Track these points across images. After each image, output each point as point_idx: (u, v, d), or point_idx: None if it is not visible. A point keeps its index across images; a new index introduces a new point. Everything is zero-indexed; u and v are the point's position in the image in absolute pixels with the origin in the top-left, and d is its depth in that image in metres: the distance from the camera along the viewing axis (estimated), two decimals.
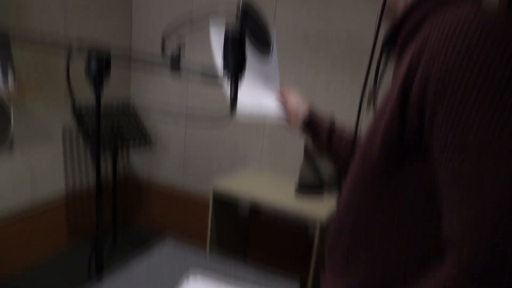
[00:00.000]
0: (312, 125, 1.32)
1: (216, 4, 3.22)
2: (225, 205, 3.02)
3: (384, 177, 0.76)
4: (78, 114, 2.89)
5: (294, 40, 2.95)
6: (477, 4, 0.71)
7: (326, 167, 2.79)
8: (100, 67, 1.06)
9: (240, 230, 3.32)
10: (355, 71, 2.78)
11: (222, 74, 0.98)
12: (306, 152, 2.88)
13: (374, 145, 0.77)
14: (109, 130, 2.98)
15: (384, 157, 0.74)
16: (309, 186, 2.79)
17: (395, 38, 0.84)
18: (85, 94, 2.81)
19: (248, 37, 0.91)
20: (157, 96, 3.60)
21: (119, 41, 3.50)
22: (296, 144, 3.06)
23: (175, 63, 0.95)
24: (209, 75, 0.95)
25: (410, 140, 0.70)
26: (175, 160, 3.63)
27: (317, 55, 2.89)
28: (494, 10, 0.65)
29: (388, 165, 0.74)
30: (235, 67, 0.95)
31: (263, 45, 1.00)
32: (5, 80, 2.40)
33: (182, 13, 3.36)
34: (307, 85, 2.96)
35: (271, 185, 2.90)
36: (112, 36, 3.43)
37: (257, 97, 1.33)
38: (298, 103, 1.34)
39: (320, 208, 2.53)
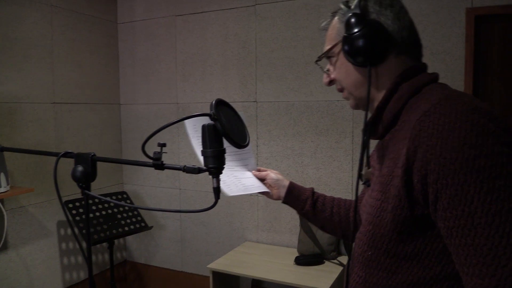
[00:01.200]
0: (294, 197, 1.36)
1: (193, 106, 3.37)
2: (226, 284, 2.95)
3: (399, 249, 0.82)
4: (70, 211, 2.90)
5: (277, 111, 3.07)
6: (446, 89, 0.82)
7: (325, 235, 2.77)
8: (86, 171, 1.11)
9: None
10: (340, 136, 2.87)
11: (203, 165, 1.02)
12: (303, 221, 2.88)
13: (384, 222, 0.83)
14: (104, 218, 2.98)
15: (397, 232, 0.81)
16: (308, 256, 2.76)
17: (376, 125, 0.92)
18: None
19: (224, 126, 0.96)
20: (150, 181, 3.65)
21: (109, 133, 3.61)
22: (291, 214, 3.06)
23: (157, 165, 1.00)
24: (190, 169, 0.99)
25: (420, 217, 0.78)
26: (172, 241, 3.59)
27: (301, 123, 2.99)
28: (466, 97, 0.75)
29: (402, 239, 0.81)
30: (215, 159, 1.00)
31: (239, 133, 1.06)
32: None
33: (167, 110, 3.51)
34: (295, 153, 3.03)
35: (271, 258, 2.86)
36: (102, 128, 3.54)
37: (237, 177, 1.38)
38: (278, 178, 1.39)
39: (322, 277, 2.49)
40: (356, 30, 0.87)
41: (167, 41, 3.48)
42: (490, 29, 2.48)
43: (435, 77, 0.89)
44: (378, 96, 0.92)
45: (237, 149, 1.46)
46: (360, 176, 0.99)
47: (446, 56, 2.54)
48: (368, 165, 1.00)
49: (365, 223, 0.90)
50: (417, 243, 0.80)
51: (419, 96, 0.84)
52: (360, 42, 0.87)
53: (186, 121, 1.38)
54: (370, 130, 0.93)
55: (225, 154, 1.44)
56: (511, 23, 2.43)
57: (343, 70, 0.96)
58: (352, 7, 0.91)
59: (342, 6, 0.94)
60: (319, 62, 1.06)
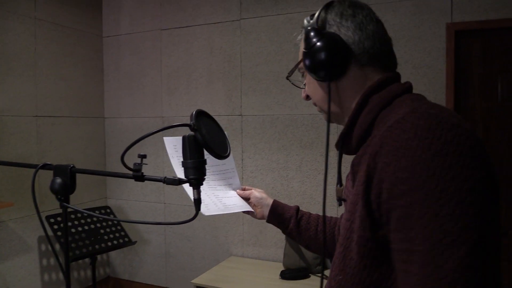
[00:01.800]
0: (278, 216, 1.34)
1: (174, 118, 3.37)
2: None
3: (363, 276, 0.76)
4: (52, 226, 2.84)
5: (262, 125, 3.07)
6: (417, 101, 0.76)
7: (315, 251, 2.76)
8: (65, 183, 1.09)
9: None
10: (324, 149, 2.88)
11: (183, 178, 1.01)
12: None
13: (352, 245, 0.78)
14: (86, 233, 2.93)
15: (361, 257, 0.75)
16: (294, 270, 2.74)
17: (349, 140, 0.87)
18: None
19: (204, 137, 0.95)
20: (134, 195, 3.60)
21: (93, 147, 3.57)
22: (276, 228, 3.04)
23: (137, 176, 0.98)
24: (170, 180, 0.98)
25: (382, 240, 0.72)
26: (156, 256, 3.54)
27: (286, 137, 3.00)
28: (437, 111, 0.69)
29: (366, 264, 0.75)
30: (195, 170, 0.99)
31: (219, 144, 1.05)
32: None
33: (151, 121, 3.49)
34: (280, 167, 3.03)
35: (256, 272, 2.83)
36: (86, 141, 3.50)
37: (219, 196, 1.36)
38: (262, 197, 1.37)
39: None
40: (312, 44, 0.85)
41: (153, 55, 3.48)
42: (470, 43, 2.54)
43: (407, 87, 0.84)
44: (349, 110, 0.88)
45: (221, 169, 1.46)
46: (336, 194, 0.95)
47: (427, 70, 2.58)
48: (340, 183, 0.96)
49: (338, 244, 0.85)
50: (382, 270, 0.73)
51: (390, 109, 0.79)
52: (316, 57, 0.85)
53: (166, 140, 1.36)
54: (343, 145, 0.89)
55: (209, 174, 1.43)
56: (490, 37, 2.49)
57: (311, 85, 0.95)
58: (312, 21, 0.89)
59: (305, 21, 0.92)
60: (290, 78, 1.04)
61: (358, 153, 0.83)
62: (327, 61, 0.84)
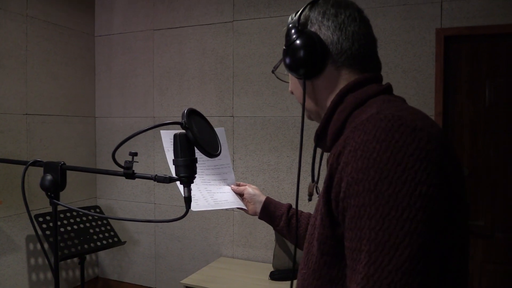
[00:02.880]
0: (270, 213, 1.35)
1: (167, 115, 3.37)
2: None
3: (323, 272, 0.77)
4: (40, 225, 2.83)
5: (253, 126, 3.09)
6: (387, 102, 0.77)
7: (300, 251, 2.77)
8: (55, 180, 1.09)
9: None
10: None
11: (174, 174, 1.01)
12: (278, 237, 2.88)
13: (314, 241, 0.80)
14: (75, 232, 2.91)
15: (321, 253, 0.77)
16: (283, 271, 2.75)
17: (324, 138, 0.89)
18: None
19: (195, 135, 0.96)
20: (124, 195, 3.59)
21: (83, 146, 3.56)
22: (267, 229, 3.05)
23: (128, 174, 0.99)
24: (161, 178, 0.99)
25: (341, 238, 0.74)
26: (145, 257, 3.52)
27: (277, 138, 3.02)
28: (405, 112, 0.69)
29: (325, 260, 0.77)
30: (186, 168, 0.99)
31: (210, 142, 1.06)
32: None
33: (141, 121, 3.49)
34: (271, 168, 3.04)
35: (246, 273, 2.84)
36: (76, 140, 3.49)
37: (211, 191, 1.37)
38: (255, 193, 1.38)
39: None
40: (290, 42, 0.86)
41: (145, 55, 3.48)
42: (458, 49, 2.58)
43: (384, 88, 0.84)
44: (325, 108, 0.89)
45: (216, 164, 1.46)
46: (309, 189, 0.96)
47: (417, 74, 2.61)
48: (312, 179, 0.98)
49: (305, 240, 0.87)
50: (340, 267, 0.75)
51: (363, 109, 0.79)
52: (294, 54, 0.85)
53: (163, 133, 1.37)
54: (318, 142, 0.91)
55: (203, 168, 1.44)
56: (478, 43, 2.53)
57: (292, 82, 0.97)
58: (295, 18, 0.89)
59: (289, 18, 0.93)
60: (276, 73, 1.06)
61: (331, 151, 0.83)
62: (303, 59, 0.84)
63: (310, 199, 0.97)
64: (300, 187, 2.94)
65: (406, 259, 0.61)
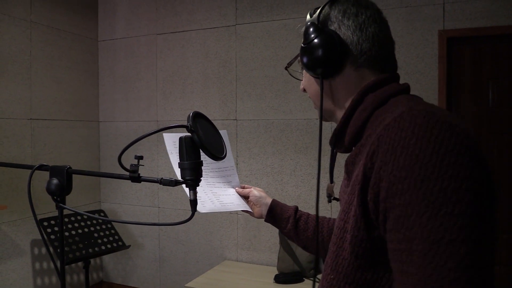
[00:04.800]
0: (276, 215, 1.33)
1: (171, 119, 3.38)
2: None
3: (357, 276, 0.75)
4: (45, 229, 2.84)
5: (257, 129, 3.09)
6: (413, 100, 0.76)
7: (304, 253, 2.77)
8: (61, 184, 1.09)
9: None
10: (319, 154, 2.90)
11: (180, 177, 1.01)
12: (282, 239, 2.88)
13: (345, 244, 0.77)
14: (80, 237, 2.92)
15: (355, 256, 0.75)
16: (288, 274, 2.75)
17: (342, 138, 0.87)
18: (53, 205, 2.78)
19: (201, 138, 0.96)
20: (128, 199, 3.60)
21: (87, 150, 3.57)
22: (271, 232, 3.05)
23: (134, 177, 0.99)
24: (166, 181, 0.99)
25: (378, 241, 0.72)
26: (150, 261, 3.53)
27: (281, 141, 3.02)
28: (431, 111, 0.67)
29: (360, 264, 0.75)
30: (192, 171, 1.00)
31: (216, 145, 1.06)
32: None
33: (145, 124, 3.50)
34: (274, 171, 3.05)
35: (250, 277, 2.83)
36: (80, 145, 3.50)
37: (217, 193, 1.37)
38: (261, 196, 1.36)
39: None
40: (309, 40, 0.85)
41: (148, 59, 3.49)
42: (461, 50, 2.58)
43: (404, 88, 0.83)
44: (342, 108, 0.88)
45: (220, 166, 1.46)
46: (323, 191, 0.96)
47: (420, 76, 2.62)
48: (331, 180, 0.96)
49: (331, 244, 0.84)
50: (376, 270, 0.73)
51: (385, 108, 0.78)
52: (312, 53, 0.84)
53: (165, 136, 1.38)
54: (336, 142, 0.89)
55: (208, 171, 1.44)
56: (481, 44, 2.53)
57: (306, 79, 0.95)
58: (315, 16, 0.87)
59: (308, 16, 0.91)
60: (289, 69, 1.04)
61: (351, 152, 0.82)
62: (322, 59, 0.83)
63: (330, 201, 0.95)
64: (306, 189, 2.94)
65: (465, 254, 0.59)
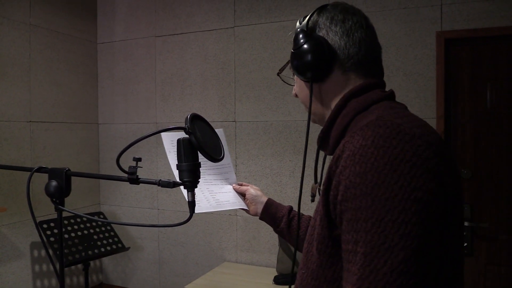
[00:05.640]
0: (271, 214, 1.36)
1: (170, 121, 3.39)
2: None
3: (320, 272, 0.79)
4: (44, 231, 2.84)
5: (256, 131, 3.10)
6: (389, 109, 0.79)
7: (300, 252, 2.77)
8: (60, 186, 1.10)
9: None
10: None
11: (178, 179, 1.02)
12: (281, 241, 2.88)
13: (314, 241, 0.82)
14: (79, 239, 2.92)
15: (318, 252, 0.79)
16: (287, 275, 2.75)
17: (327, 140, 0.91)
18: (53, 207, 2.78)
19: (199, 140, 0.97)
20: (127, 201, 3.60)
21: (87, 153, 3.58)
22: (270, 233, 3.06)
23: (133, 179, 1.00)
24: (165, 183, 1.00)
25: (338, 239, 0.76)
26: (149, 263, 3.53)
27: (280, 143, 3.03)
28: (405, 119, 0.71)
29: (322, 261, 0.78)
30: (190, 173, 1.00)
31: (214, 147, 1.07)
32: None
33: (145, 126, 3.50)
34: (273, 172, 3.05)
35: (249, 278, 2.84)
36: (80, 147, 3.50)
37: (213, 191, 1.39)
38: (257, 194, 1.40)
39: None
40: (299, 45, 0.89)
41: (147, 61, 3.50)
42: (459, 51, 2.59)
43: (387, 94, 0.86)
44: (329, 113, 0.92)
45: (217, 164, 1.48)
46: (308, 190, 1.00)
47: (418, 77, 2.62)
48: (315, 180, 1.01)
49: (305, 240, 0.89)
50: (336, 268, 0.77)
51: (364, 114, 0.82)
52: (302, 58, 0.88)
53: (163, 136, 1.39)
54: (322, 144, 0.94)
55: (205, 168, 1.45)
56: (478, 45, 2.54)
57: (298, 84, 0.99)
58: (304, 22, 0.92)
59: (297, 23, 0.95)
60: (281, 75, 1.09)
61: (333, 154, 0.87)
62: (311, 63, 0.87)
63: (312, 200, 1.00)
64: (303, 190, 2.95)
65: (401, 261, 0.63)
